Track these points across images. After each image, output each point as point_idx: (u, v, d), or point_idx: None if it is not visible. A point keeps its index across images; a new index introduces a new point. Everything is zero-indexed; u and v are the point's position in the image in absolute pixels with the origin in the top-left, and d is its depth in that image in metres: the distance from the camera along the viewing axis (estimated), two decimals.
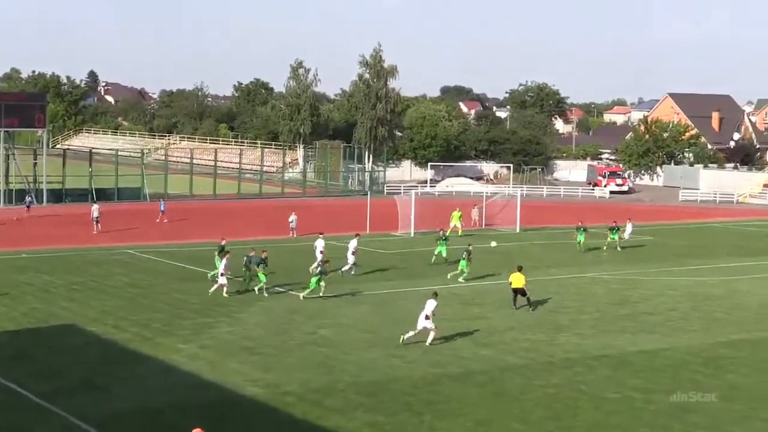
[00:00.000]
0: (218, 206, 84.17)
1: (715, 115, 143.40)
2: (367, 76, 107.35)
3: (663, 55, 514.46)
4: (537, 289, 42.10)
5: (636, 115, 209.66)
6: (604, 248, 58.01)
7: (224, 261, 41.46)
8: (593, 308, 40.47)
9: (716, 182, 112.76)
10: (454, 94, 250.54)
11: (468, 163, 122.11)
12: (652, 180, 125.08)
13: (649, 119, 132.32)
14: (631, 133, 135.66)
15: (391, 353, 31.85)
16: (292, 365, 30.14)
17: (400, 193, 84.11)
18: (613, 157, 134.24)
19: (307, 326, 35.70)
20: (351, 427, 24.51)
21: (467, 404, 26.51)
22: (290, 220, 63.20)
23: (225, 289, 40.76)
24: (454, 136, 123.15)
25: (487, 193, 75.62)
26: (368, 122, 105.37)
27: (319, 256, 46.42)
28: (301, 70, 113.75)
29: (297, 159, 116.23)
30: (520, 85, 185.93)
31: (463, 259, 46.09)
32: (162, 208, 70.00)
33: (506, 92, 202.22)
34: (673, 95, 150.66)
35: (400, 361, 30.88)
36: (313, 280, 40.57)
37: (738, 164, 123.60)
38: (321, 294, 40.21)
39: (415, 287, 43.72)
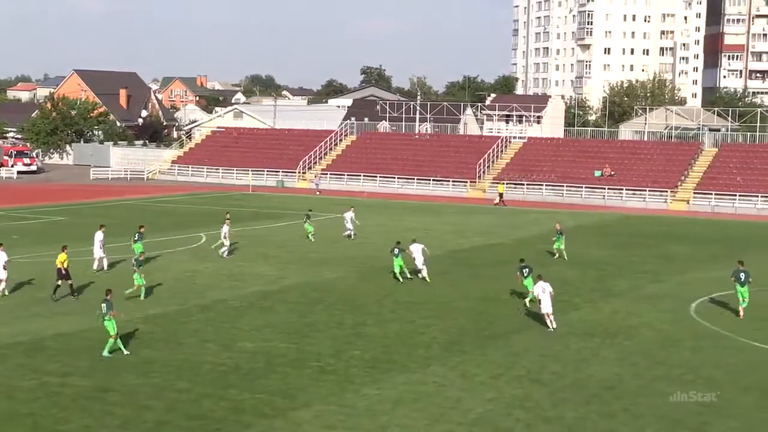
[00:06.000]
0: None
1: (123, 93, 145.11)
2: None
3: (70, 30, 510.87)
4: None
5: (42, 92, 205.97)
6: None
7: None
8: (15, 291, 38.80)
9: (127, 160, 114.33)
10: None
11: None
12: (62, 159, 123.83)
13: (56, 96, 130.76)
14: (37, 110, 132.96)
15: None
16: None
17: None
18: (19, 136, 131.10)
19: None
20: None
21: None
22: None
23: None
24: None
25: None
26: None
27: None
28: None
29: None
30: None
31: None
32: None
33: None
34: (79, 72, 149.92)
35: None
36: None
37: (147, 141, 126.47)
38: None
39: None
